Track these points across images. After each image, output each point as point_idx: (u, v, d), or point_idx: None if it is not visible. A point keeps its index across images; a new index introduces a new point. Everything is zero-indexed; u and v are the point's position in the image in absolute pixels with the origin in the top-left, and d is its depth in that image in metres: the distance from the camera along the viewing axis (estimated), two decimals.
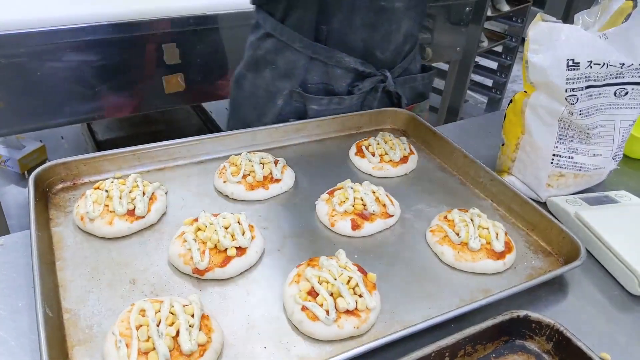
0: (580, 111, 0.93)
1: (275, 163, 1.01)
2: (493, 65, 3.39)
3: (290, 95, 1.18)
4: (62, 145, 2.58)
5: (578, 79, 0.91)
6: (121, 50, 1.71)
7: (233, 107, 1.36)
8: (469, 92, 3.39)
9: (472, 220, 0.89)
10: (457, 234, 0.86)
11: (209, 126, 2.45)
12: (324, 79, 1.16)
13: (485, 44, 3.00)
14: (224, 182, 0.96)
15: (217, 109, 2.73)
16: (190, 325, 0.66)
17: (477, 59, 3.22)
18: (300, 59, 1.15)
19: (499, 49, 3.27)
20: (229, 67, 1.92)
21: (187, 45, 1.79)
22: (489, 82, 3.44)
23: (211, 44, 1.83)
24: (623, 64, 0.90)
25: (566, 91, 0.91)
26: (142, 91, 1.80)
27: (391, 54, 1.19)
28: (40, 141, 2.41)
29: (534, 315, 0.71)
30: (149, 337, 0.64)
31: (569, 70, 0.90)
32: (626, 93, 0.94)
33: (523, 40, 0.95)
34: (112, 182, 0.89)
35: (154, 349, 0.63)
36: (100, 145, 2.29)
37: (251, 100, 1.25)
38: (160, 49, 1.76)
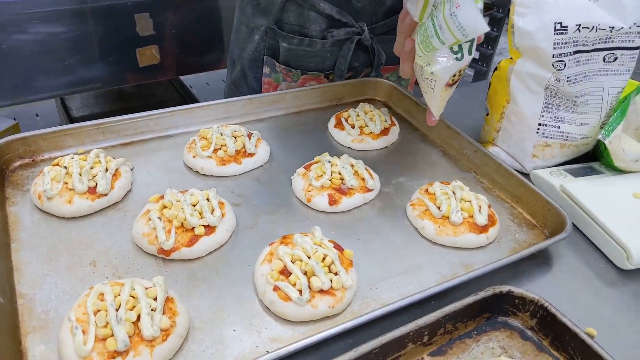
0: (568, 78, 0.89)
1: (249, 136, 0.95)
2: None
3: (266, 32, 1.19)
4: (37, 123, 2.50)
5: (566, 43, 0.86)
6: (91, 21, 1.63)
7: (230, 45, 1.41)
8: None
9: (454, 193, 0.85)
10: (439, 208, 0.83)
11: (188, 101, 2.38)
12: (300, 21, 1.16)
13: None
14: (194, 156, 0.91)
15: (197, 83, 2.65)
16: (152, 310, 0.62)
17: None
18: None
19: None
20: (205, 39, 1.85)
21: (161, 15, 1.72)
22: (475, 54, 3.38)
23: (186, 14, 1.76)
24: (613, 28, 0.86)
25: (553, 57, 0.87)
26: (114, 64, 1.73)
27: (369, 3, 1.16)
28: (14, 119, 2.33)
29: (518, 290, 0.68)
30: (107, 323, 0.60)
31: (557, 34, 0.85)
32: (615, 59, 0.90)
33: (509, 12, 0.90)
34: (72, 158, 0.83)
35: (112, 335, 0.59)
36: (75, 122, 2.22)
37: (237, 36, 1.29)
38: (133, 19, 1.68)
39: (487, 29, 0.70)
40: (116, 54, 1.73)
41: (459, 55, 0.75)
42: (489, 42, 3.28)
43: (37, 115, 2.51)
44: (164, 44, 1.77)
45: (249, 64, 1.27)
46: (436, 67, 0.77)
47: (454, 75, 0.79)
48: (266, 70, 1.24)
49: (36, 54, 1.61)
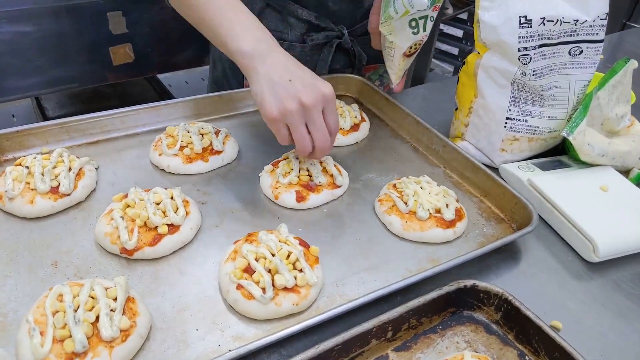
0: (534, 71, 0.89)
1: (217, 133, 0.94)
2: (459, 33, 3.34)
3: None
4: (14, 124, 2.46)
5: (531, 37, 0.86)
6: (62, 20, 1.60)
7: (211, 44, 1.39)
8: (434, 61, 3.34)
9: (422, 188, 0.85)
10: (406, 203, 0.82)
11: (165, 99, 2.35)
12: (280, 27, 1.16)
13: (450, 10, 2.95)
14: (160, 155, 0.90)
15: (176, 82, 2.62)
16: (111, 310, 0.61)
17: (442, 26, 3.17)
18: (256, 3, 1.15)
19: (464, 16, 3.22)
20: (180, 37, 1.83)
21: (134, 13, 1.69)
22: (454, 51, 3.39)
23: (160, 12, 1.73)
24: (577, 21, 0.86)
25: (519, 50, 0.87)
26: (87, 63, 1.70)
27: (346, 6, 1.15)
28: None
29: (482, 284, 0.68)
30: (65, 324, 0.59)
31: (522, 27, 0.86)
32: (581, 52, 0.90)
33: (475, 5, 0.91)
34: (35, 158, 0.82)
35: (70, 336, 0.58)
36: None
37: None
38: (105, 17, 1.66)
39: (426, 3, 0.86)
40: (89, 53, 1.70)
41: (415, 30, 0.89)
42: (468, 38, 3.29)
43: (13, 116, 2.47)
44: (137, 42, 1.74)
45: (229, 65, 1.26)
46: (396, 38, 0.93)
47: (411, 47, 0.94)
48: None
49: (5, 54, 1.58)
